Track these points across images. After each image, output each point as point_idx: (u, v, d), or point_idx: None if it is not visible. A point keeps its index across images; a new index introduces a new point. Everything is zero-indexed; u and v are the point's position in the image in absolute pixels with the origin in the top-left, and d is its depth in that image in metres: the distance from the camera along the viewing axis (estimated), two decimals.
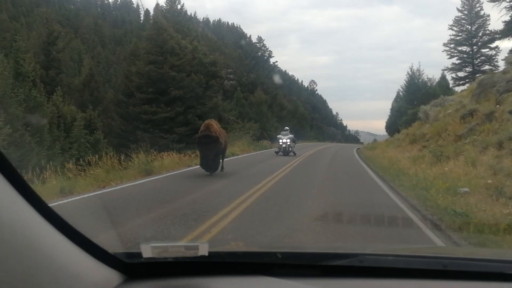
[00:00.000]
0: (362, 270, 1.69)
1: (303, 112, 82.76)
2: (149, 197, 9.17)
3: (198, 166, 13.46)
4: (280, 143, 24.98)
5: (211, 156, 12.60)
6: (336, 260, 1.72)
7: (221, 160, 14.12)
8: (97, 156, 13.58)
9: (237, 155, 23.88)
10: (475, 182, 10.06)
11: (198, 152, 13.76)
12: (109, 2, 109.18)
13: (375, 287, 1.67)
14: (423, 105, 31.03)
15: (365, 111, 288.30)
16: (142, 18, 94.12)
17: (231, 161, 19.13)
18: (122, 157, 14.36)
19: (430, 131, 23.36)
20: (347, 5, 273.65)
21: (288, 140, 24.67)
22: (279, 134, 26.54)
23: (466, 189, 9.41)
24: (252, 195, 9.38)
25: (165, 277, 1.60)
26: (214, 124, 13.20)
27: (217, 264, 1.70)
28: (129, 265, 1.55)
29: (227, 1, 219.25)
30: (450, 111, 24.20)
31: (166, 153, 17.29)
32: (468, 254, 2.43)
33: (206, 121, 13.40)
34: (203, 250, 1.53)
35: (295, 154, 24.75)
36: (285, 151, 24.53)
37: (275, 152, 25.31)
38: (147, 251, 1.50)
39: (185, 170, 14.95)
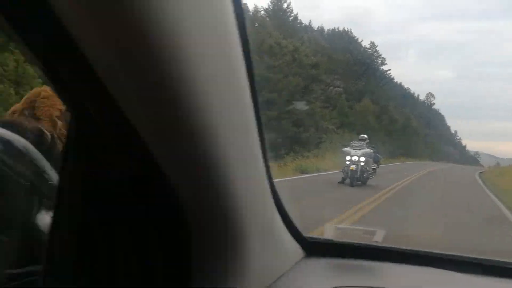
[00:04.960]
0: None
1: (416, 127, 75.01)
2: None
3: None
4: (347, 163, 13.96)
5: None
6: None
7: None
8: None
9: (322, 171, 19.21)
10: None
11: None
12: None
13: None
14: None
15: (488, 132, 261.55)
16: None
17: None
18: None
19: None
20: (475, 17, 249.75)
21: (362, 158, 13.77)
22: (346, 147, 15.07)
23: None
24: None
25: (337, 256, 1.61)
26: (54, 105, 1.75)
27: (383, 251, 1.63)
28: (309, 243, 1.61)
29: (345, 13, 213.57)
30: None
31: None
32: None
33: (36, 90, 1.85)
34: (378, 236, 1.60)
35: (369, 176, 14.39)
36: (354, 178, 13.64)
37: (340, 181, 14.20)
38: (330, 231, 1.62)
39: None
